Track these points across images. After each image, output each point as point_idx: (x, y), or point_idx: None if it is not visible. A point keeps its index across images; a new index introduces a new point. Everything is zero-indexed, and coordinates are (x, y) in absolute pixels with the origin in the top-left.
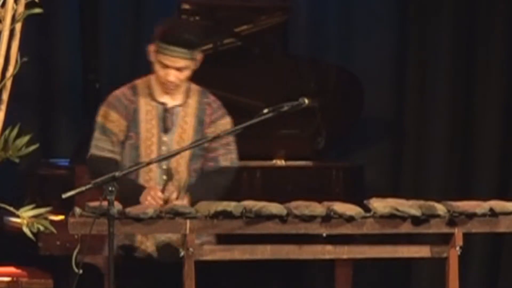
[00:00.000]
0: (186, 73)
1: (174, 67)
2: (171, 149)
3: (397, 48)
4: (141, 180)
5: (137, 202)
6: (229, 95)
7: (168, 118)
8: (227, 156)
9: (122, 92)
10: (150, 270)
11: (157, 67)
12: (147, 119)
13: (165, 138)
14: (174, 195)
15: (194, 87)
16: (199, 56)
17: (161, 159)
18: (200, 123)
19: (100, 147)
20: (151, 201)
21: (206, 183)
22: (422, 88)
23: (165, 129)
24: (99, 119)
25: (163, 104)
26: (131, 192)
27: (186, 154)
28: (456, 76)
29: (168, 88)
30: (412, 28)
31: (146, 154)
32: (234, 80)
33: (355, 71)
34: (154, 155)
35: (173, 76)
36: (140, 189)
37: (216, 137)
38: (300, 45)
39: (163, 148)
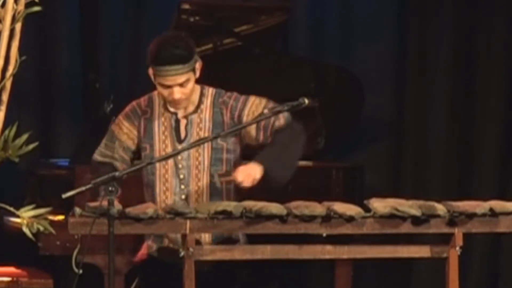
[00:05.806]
0: (190, 85)
1: (176, 85)
2: (189, 158)
3: (397, 48)
4: (158, 190)
5: None
6: None
7: (180, 128)
8: (274, 121)
9: (138, 102)
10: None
11: (159, 89)
12: (160, 130)
13: (180, 147)
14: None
15: (208, 90)
16: (197, 64)
17: (162, 158)
18: (218, 126)
19: (103, 153)
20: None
21: (274, 146)
22: (422, 88)
23: (179, 139)
24: (112, 126)
25: (175, 114)
26: None
27: (206, 160)
28: (456, 75)
29: (177, 105)
30: (412, 28)
31: (162, 165)
32: (234, 80)
33: (355, 71)
34: (170, 166)
35: (177, 93)
36: None
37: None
38: (300, 45)
39: (179, 158)
